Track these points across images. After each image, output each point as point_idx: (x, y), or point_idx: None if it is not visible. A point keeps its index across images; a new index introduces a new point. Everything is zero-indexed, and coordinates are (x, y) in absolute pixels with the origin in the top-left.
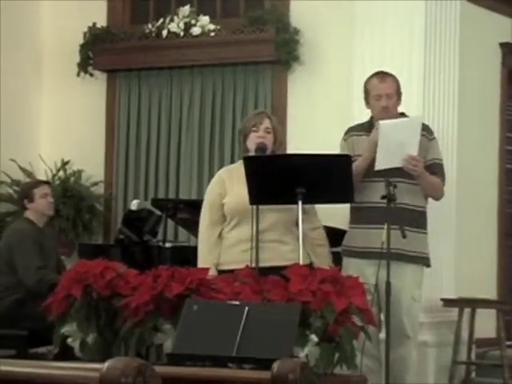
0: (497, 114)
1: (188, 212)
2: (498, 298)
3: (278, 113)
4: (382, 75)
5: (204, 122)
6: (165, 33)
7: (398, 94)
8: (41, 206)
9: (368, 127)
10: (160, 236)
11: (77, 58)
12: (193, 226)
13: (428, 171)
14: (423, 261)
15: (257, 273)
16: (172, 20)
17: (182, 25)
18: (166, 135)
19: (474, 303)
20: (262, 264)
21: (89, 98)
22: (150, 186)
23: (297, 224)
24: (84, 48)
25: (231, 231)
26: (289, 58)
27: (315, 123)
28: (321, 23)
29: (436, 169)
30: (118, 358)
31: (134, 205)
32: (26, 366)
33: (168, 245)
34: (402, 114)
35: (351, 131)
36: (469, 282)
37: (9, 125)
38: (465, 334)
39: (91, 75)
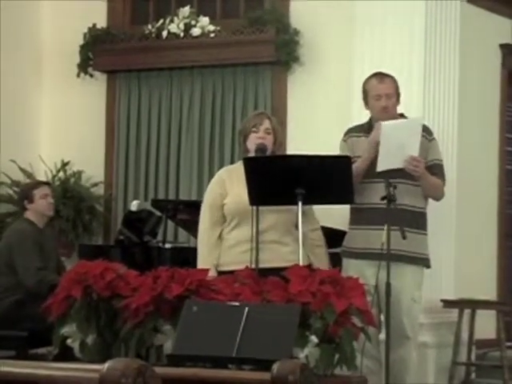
0: (497, 114)
1: (188, 213)
2: (497, 299)
3: (278, 113)
4: (380, 76)
5: (204, 123)
6: (165, 34)
7: (397, 94)
8: (41, 207)
9: (367, 128)
10: (160, 237)
11: (77, 59)
12: (193, 227)
13: (428, 172)
14: (423, 262)
15: (256, 274)
16: (172, 21)
17: (181, 26)
18: (165, 136)
19: (474, 304)
20: (261, 265)
21: (89, 98)
22: (149, 187)
23: (296, 225)
24: (84, 49)
25: (231, 232)
26: (289, 58)
27: (315, 124)
28: (321, 24)
29: (436, 169)
30: (118, 358)
31: (133, 205)
32: (25, 366)
33: (168, 245)
34: (402, 115)
35: (350, 132)
36: (469, 283)
37: (9, 125)
38: (465, 335)
39: (91, 76)
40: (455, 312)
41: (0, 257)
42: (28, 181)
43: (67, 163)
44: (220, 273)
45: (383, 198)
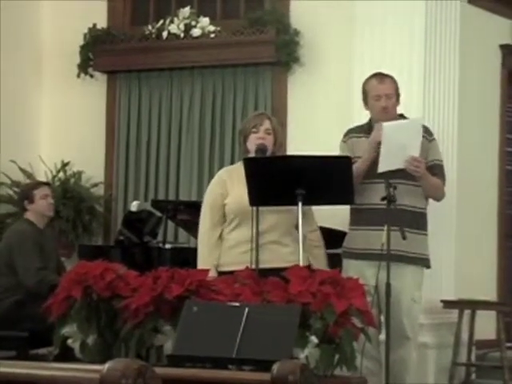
0: (497, 115)
1: (188, 213)
2: (497, 300)
3: (278, 114)
4: (380, 76)
5: (204, 124)
6: (165, 34)
7: (397, 94)
8: (41, 207)
9: (367, 129)
10: (160, 237)
11: (77, 59)
12: (193, 227)
13: (429, 172)
14: (423, 262)
15: (257, 274)
16: (172, 21)
17: (182, 26)
18: (166, 136)
19: (474, 305)
20: (261, 265)
21: (89, 99)
22: (150, 188)
23: (296, 226)
24: (84, 49)
25: (231, 232)
26: (289, 59)
27: (315, 124)
28: (321, 24)
29: (437, 170)
30: (119, 359)
31: (134, 206)
32: (26, 367)
33: (168, 246)
34: (402, 116)
35: (350, 133)
36: (469, 284)
37: (9, 126)
38: (465, 336)
39: (91, 76)
40: (455, 312)
41: (0, 257)
42: (28, 181)
43: (67, 163)
44: (220, 273)
45: (383, 199)
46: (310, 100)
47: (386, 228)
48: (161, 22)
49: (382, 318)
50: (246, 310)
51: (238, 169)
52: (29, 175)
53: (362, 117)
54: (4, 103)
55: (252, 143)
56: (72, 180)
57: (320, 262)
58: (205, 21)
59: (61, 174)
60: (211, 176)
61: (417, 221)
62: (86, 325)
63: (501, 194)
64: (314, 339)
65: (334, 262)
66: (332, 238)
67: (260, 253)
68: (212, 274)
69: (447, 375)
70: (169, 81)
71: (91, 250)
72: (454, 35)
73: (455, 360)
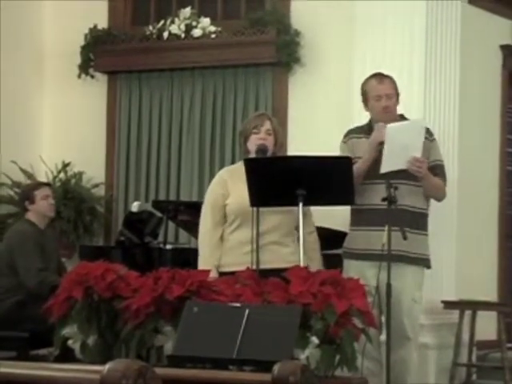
0: (497, 116)
1: (189, 214)
2: (498, 300)
3: (279, 114)
4: (380, 76)
5: (205, 124)
6: (166, 35)
7: (397, 94)
8: (42, 208)
9: (367, 130)
10: (161, 238)
11: (78, 60)
12: (193, 228)
13: (430, 173)
14: (424, 262)
15: (257, 275)
16: (173, 22)
17: (182, 26)
18: (166, 137)
19: (474, 305)
20: (262, 266)
21: (90, 99)
22: (150, 188)
23: (296, 226)
24: (85, 50)
25: (233, 233)
26: (289, 59)
27: (316, 125)
28: (321, 25)
29: (438, 170)
30: (119, 359)
31: (134, 207)
32: (26, 367)
33: (169, 247)
34: (402, 116)
35: (351, 134)
36: (469, 284)
37: (9, 126)
38: (465, 336)
39: (92, 77)
40: (456, 313)
41: (1, 258)
42: (29, 182)
43: (68, 164)
44: (221, 274)
45: (384, 199)
46: (310, 100)
47: (386, 228)
48: (161, 22)
49: (383, 319)
50: (247, 310)
51: (239, 169)
52: (29, 176)
53: (363, 117)
54: (4, 103)
55: (253, 144)
56: (73, 180)
57: (316, 264)
58: (205, 21)
59: (61, 175)
60: (212, 176)
61: (417, 221)
62: (86, 325)
63: (501, 195)
64: (314, 340)
65: (335, 262)
66: (332, 238)
67: (261, 253)
68: (213, 274)
69: (448, 376)
70: (169, 81)
71: (92, 250)
72: (454, 36)
73: (456, 360)
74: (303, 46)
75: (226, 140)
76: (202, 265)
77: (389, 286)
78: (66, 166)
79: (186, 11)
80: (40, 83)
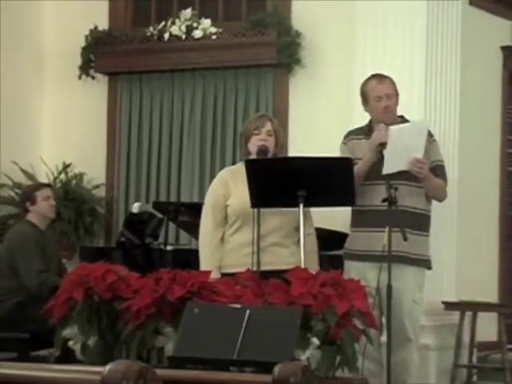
0: (498, 116)
1: (189, 215)
2: (499, 301)
3: (280, 116)
4: (379, 77)
5: (205, 125)
6: (166, 36)
7: (397, 94)
8: (43, 209)
9: (367, 130)
10: (161, 239)
11: (78, 61)
12: (194, 229)
13: (431, 173)
14: (424, 263)
15: (258, 276)
16: (174, 23)
17: (183, 28)
18: (167, 138)
19: (475, 306)
20: (263, 267)
21: (90, 100)
22: (151, 189)
23: (296, 228)
24: (86, 51)
25: (233, 235)
26: (290, 60)
27: (316, 126)
28: (322, 26)
29: (438, 171)
30: (120, 361)
31: (135, 207)
32: (27, 368)
33: (169, 248)
34: (402, 117)
35: (351, 135)
36: (470, 285)
37: (10, 127)
38: (466, 338)
39: (93, 78)
40: (456, 314)
41: (2, 259)
42: (29, 183)
43: (69, 165)
44: (222, 275)
45: (384, 200)
46: (311, 101)
47: (387, 229)
48: (162, 23)
49: (384, 320)
50: (248, 311)
51: (240, 169)
52: (30, 177)
53: (363, 118)
54: (5, 104)
55: (254, 145)
56: (73, 182)
57: (313, 267)
58: (206, 22)
59: (62, 176)
60: (212, 177)
61: (418, 222)
62: (87, 326)
63: (502, 196)
64: (315, 341)
65: (335, 263)
66: (333, 239)
67: (262, 255)
68: (216, 275)
69: (448, 377)
70: (170, 82)
71: (92, 251)
72: (455, 36)
73: (456, 362)
74: (304, 47)
75: (227, 141)
76: (204, 266)
77: (389, 287)
78: (66, 166)
79: (187, 12)
80: (40, 84)
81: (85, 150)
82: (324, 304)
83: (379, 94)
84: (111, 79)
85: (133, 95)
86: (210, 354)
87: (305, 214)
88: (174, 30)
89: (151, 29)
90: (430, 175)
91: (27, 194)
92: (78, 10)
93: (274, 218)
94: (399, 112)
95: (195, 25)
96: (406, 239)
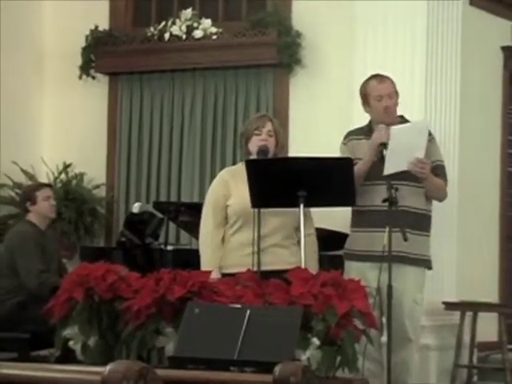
0: (498, 117)
1: (190, 215)
2: (499, 301)
3: (280, 116)
4: (379, 77)
5: (206, 125)
6: (167, 36)
7: (397, 94)
8: (43, 209)
9: (367, 131)
10: (162, 239)
11: (79, 61)
12: (194, 229)
13: (432, 173)
14: (425, 263)
15: (258, 276)
16: (174, 23)
17: (184, 28)
18: (167, 138)
19: (475, 307)
20: (264, 268)
21: (91, 100)
22: (151, 189)
23: (297, 228)
24: (86, 51)
25: (234, 235)
26: (291, 61)
27: (317, 126)
28: (323, 26)
29: (439, 170)
30: (120, 361)
31: (135, 207)
32: (27, 368)
33: (170, 248)
34: (402, 117)
35: (350, 135)
36: (470, 285)
37: (10, 127)
38: (466, 338)
39: (93, 78)
40: (457, 314)
41: (2, 259)
42: (30, 183)
43: (69, 165)
44: (222, 275)
45: (385, 201)
46: (311, 101)
47: (387, 229)
48: (163, 23)
49: (384, 320)
50: (248, 311)
51: (240, 170)
52: (30, 177)
53: (363, 118)
54: (5, 104)
55: (254, 145)
56: (74, 181)
57: (313, 268)
58: (207, 22)
59: (62, 176)
60: (213, 177)
61: (419, 222)
62: (87, 326)
63: (502, 196)
64: (315, 341)
65: (336, 263)
66: (333, 239)
67: (262, 255)
68: (217, 275)
69: (449, 377)
70: (170, 82)
71: (93, 251)
72: (455, 36)
73: (457, 362)
74: (304, 47)
75: (227, 141)
76: (205, 265)
77: (390, 287)
78: (67, 167)
79: (187, 12)
80: (40, 84)
81: (85, 150)
82: (324, 304)
83: (380, 94)
84: (112, 79)
85: (133, 95)
86: (211, 354)
87: (305, 215)
88: (175, 30)
89: (152, 29)
90: (430, 175)
91: (27, 193)
92: (78, 9)
93: (275, 218)
94: (399, 112)
95: (195, 25)
96: (406, 239)
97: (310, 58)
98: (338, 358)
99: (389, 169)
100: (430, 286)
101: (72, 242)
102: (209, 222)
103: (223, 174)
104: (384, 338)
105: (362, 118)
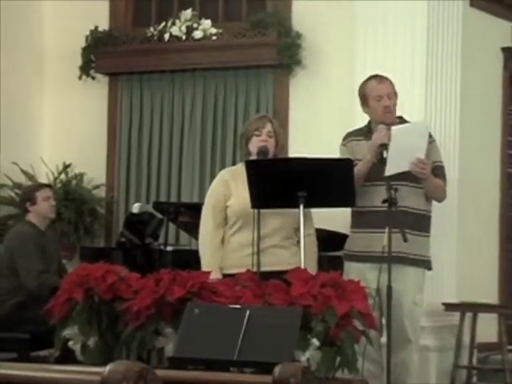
0: (499, 117)
1: (189, 215)
2: (499, 302)
3: (280, 116)
4: (379, 77)
5: (206, 126)
6: (167, 36)
7: (396, 95)
8: (43, 209)
9: (366, 132)
10: (161, 239)
11: (78, 61)
12: (194, 230)
13: (431, 174)
14: (424, 264)
15: (258, 277)
16: (174, 23)
17: (184, 28)
18: (167, 138)
19: (475, 307)
20: (263, 268)
21: (91, 101)
22: (151, 189)
23: (297, 229)
24: (86, 51)
25: (234, 235)
26: (291, 61)
27: (317, 127)
28: (323, 27)
29: (438, 171)
30: (120, 361)
31: (135, 208)
32: (27, 369)
33: (169, 248)
34: (401, 118)
35: (350, 136)
36: (470, 286)
37: (10, 127)
38: (466, 339)
39: (93, 78)
40: (457, 315)
41: (2, 259)
42: (30, 183)
43: (69, 165)
44: (222, 276)
45: (384, 201)
46: (311, 102)
47: (387, 230)
48: (163, 24)
49: (384, 321)
50: (248, 312)
51: (240, 170)
52: (30, 177)
53: (364, 119)
54: (5, 104)
55: (254, 145)
56: (74, 182)
57: (312, 268)
58: (207, 23)
59: (62, 176)
60: (213, 178)
61: (418, 222)
62: (87, 327)
63: (502, 196)
64: (315, 342)
65: (335, 264)
66: (333, 240)
67: (262, 256)
68: (217, 275)
69: (449, 378)
70: (170, 83)
71: (93, 251)
72: (456, 37)
73: (457, 363)
74: (304, 48)
75: (227, 142)
76: (205, 266)
77: (389, 288)
78: (66, 167)
79: (187, 13)
80: (40, 84)
81: (85, 151)
82: (324, 305)
83: (380, 94)
84: (111, 79)
85: (133, 96)
86: (210, 354)
87: (305, 215)
88: (175, 30)
89: (151, 29)
90: (430, 176)
91: (27, 194)
92: (78, 10)
93: (275, 218)
94: (399, 112)
95: (195, 25)
96: (405, 240)
97: (310, 59)
98: (338, 359)
99: (390, 169)
100: (430, 287)
101: (72, 242)
102: (208, 223)
103: (224, 174)
104: (384, 339)
105: (362, 119)
